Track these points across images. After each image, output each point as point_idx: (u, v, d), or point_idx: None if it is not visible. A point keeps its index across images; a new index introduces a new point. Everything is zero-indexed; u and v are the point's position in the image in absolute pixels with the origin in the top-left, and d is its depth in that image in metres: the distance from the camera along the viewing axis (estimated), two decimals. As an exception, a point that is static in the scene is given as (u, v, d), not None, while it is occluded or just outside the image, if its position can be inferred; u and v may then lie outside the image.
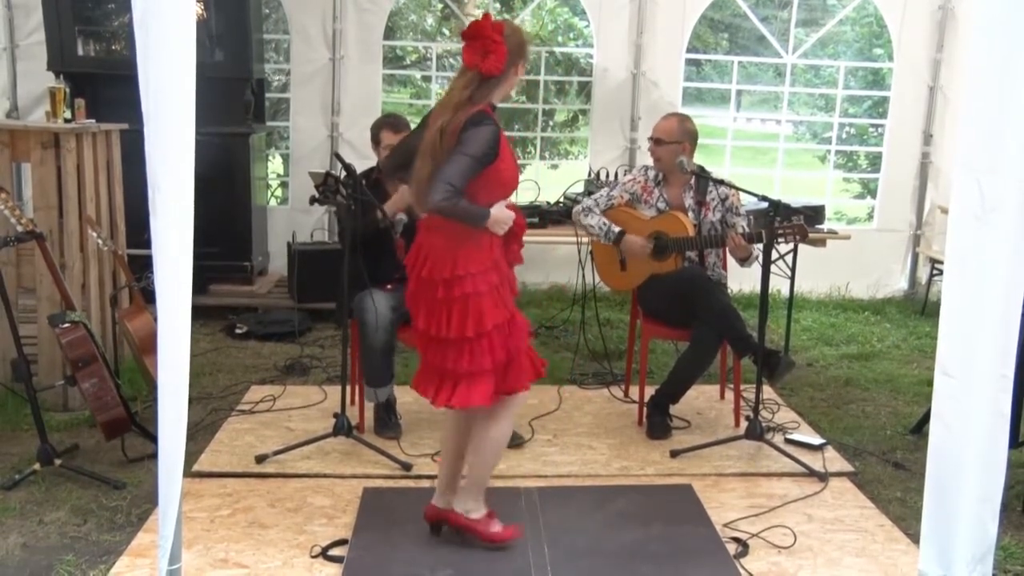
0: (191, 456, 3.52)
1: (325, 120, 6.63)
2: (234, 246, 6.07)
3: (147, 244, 2.40)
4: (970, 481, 2.30)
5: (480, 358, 2.90)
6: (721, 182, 4.25)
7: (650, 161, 4.35)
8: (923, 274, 6.93)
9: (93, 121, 4.54)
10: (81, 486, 3.53)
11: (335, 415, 3.87)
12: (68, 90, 5.03)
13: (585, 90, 8.30)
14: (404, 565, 3.02)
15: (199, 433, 4.05)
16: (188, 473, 3.44)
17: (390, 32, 7.85)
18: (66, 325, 3.69)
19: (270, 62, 7.43)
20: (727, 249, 4.21)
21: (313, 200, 3.89)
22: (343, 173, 3.88)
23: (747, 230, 4.16)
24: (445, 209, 2.84)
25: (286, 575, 2.97)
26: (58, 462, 3.59)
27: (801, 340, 5.83)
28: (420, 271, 2.94)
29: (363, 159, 5.48)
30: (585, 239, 4.65)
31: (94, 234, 4.21)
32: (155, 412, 2.54)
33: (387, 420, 4.10)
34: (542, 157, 8.92)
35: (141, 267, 3.99)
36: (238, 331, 5.66)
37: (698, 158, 4.33)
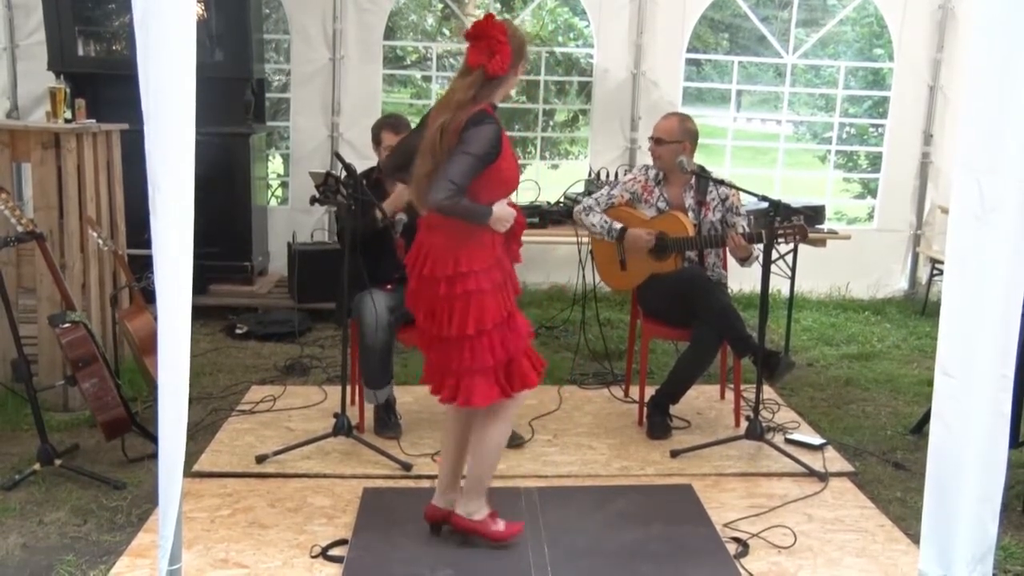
0: (191, 456, 3.52)
1: (325, 120, 6.63)
2: (234, 246, 6.07)
3: (147, 244, 2.40)
4: (970, 481, 2.30)
5: (481, 355, 2.91)
6: (721, 182, 4.25)
7: (650, 161, 4.35)
8: (923, 274, 6.93)
9: (93, 121, 4.54)
10: (81, 486, 3.53)
11: (335, 415, 3.87)
12: (68, 90, 5.03)
13: (585, 90, 8.30)
14: (404, 565, 3.02)
15: (199, 433, 4.05)
16: (188, 473, 3.45)
17: (390, 32, 7.85)
18: (66, 325, 3.70)
19: (270, 62, 7.43)
20: (727, 249, 4.21)
21: (313, 200, 3.89)
22: (343, 173, 3.88)
23: (747, 230, 4.16)
24: (447, 207, 2.84)
25: (286, 575, 2.97)
26: (58, 462, 3.60)
27: (801, 340, 5.83)
28: (421, 270, 2.94)
29: (363, 159, 5.48)
30: (585, 239, 4.65)
31: (94, 234, 4.21)
32: (155, 412, 2.54)
33: (387, 420, 4.10)
34: (542, 157, 8.92)
35: (141, 267, 3.99)
36: (238, 331, 5.66)
37: (698, 158, 4.33)
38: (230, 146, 5.96)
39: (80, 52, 5.95)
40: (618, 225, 4.23)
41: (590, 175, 6.21)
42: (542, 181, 5.94)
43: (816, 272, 6.35)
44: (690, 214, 4.21)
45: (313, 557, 3.07)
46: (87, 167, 4.40)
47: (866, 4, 7.60)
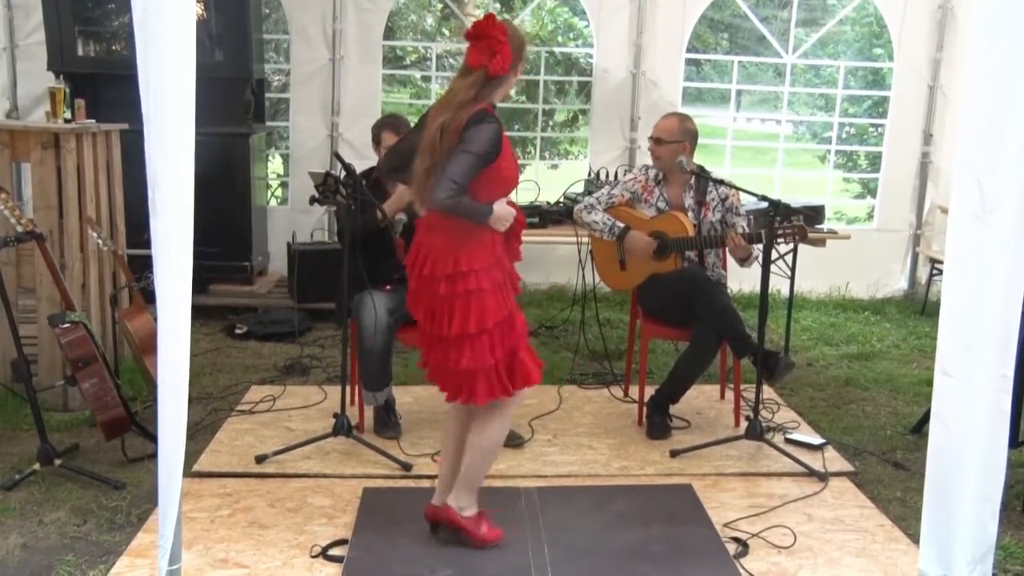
0: (191, 456, 3.52)
1: (325, 120, 6.63)
2: (234, 246, 6.07)
3: (147, 244, 2.40)
4: (970, 481, 2.30)
5: (482, 355, 2.91)
6: (721, 182, 4.25)
7: (650, 160, 4.35)
8: (923, 274, 6.93)
9: (93, 121, 4.54)
10: (81, 486, 3.53)
11: (335, 415, 3.87)
12: (68, 90, 5.04)
13: (585, 90, 8.30)
14: (404, 565, 3.02)
15: (199, 433, 4.05)
16: (188, 473, 3.45)
17: (390, 32, 7.85)
18: (66, 325, 3.69)
19: (270, 62, 7.43)
20: (727, 249, 4.21)
21: (313, 200, 3.89)
22: (343, 173, 3.88)
23: (747, 230, 4.16)
24: (448, 206, 2.84)
25: (286, 575, 2.97)
26: (58, 462, 3.60)
27: (801, 340, 5.83)
28: (421, 270, 2.94)
29: (363, 159, 5.49)
30: (585, 239, 4.65)
31: (94, 234, 4.21)
32: (155, 412, 2.54)
33: (387, 420, 4.10)
34: (542, 157, 8.92)
35: (141, 267, 3.99)
36: (238, 331, 5.66)
37: (698, 158, 4.33)
38: (230, 146, 5.96)
39: (80, 52, 5.95)
40: (621, 224, 4.23)
41: (590, 175, 6.21)
42: (542, 181, 5.94)
43: (816, 272, 6.35)
44: (690, 214, 4.21)
45: (313, 557, 3.07)
46: (87, 167, 4.40)
47: (866, 4, 7.60)
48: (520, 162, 8.74)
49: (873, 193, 7.82)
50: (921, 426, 4.24)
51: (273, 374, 4.99)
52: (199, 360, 5.00)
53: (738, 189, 4.16)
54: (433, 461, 3.81)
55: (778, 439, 4.09)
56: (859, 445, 4.15)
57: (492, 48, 2.84)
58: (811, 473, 3.76)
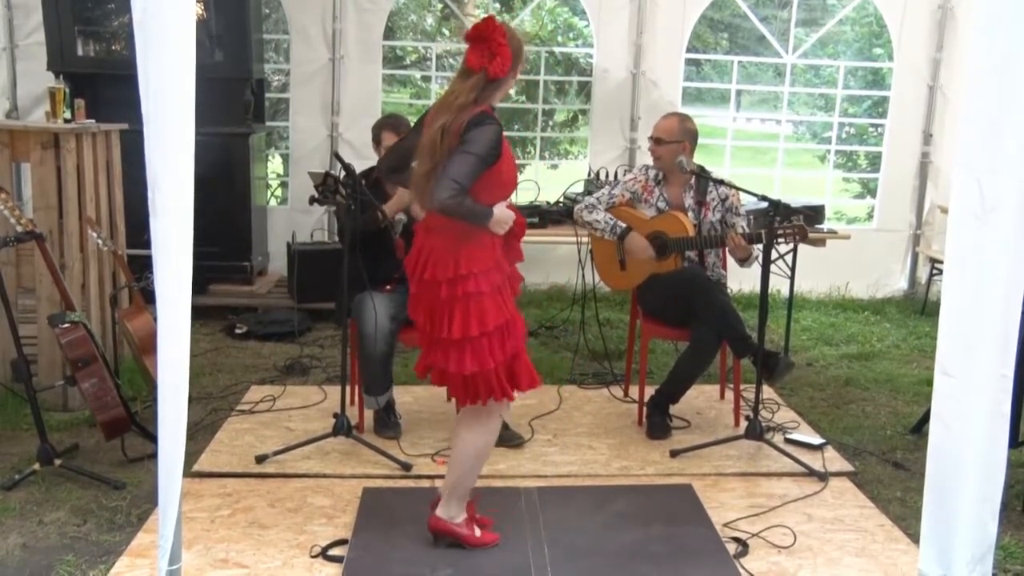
0: (191, 456, 3.52)
1: (325, 120, 6.63)
2: (234, 246, 6.07)
3: (147, 244, 2.40)
4: (970, 481, 2.30)
5: (483, 358, 2.90)
6: (721, 182, 4.25)
7: (650, 161, 4.35)
8: (923, 274, 6.93)
9: (93, 121, 4.54)
10: (81, 486, 3.53)
11: (335, 415, 3.87)
12: (68, 90, 5.04)
13: (585, 90, 8.30)
14: (404, 565, 3.02)
15: (199, 433, 4.05)
16: (188, 473, 3.45)
17: (390, 32, 7.85)
18: (66, 325, 3.69)
19: (270, 62, 7.43)
20: (727, 249, 4.21)
21: (313, 200, 3.89)
22: (343, 173, 3.88)
23: (747, 230, 4.16)
24: (450, 207, 2.83)
25: (286, 575, 2.97)
26: (58, 462, 3.59)
27: (801, 340, 5.83)
28: (422, 274, 2.93)
29: (363, 159, 5.49)
30: (585, 239, 4.65)
31: (94, 234, 4.21)
32: (155, 412, 2.54)
33: (387, 420, 4.10)
34: (542, 157, 8.92)
35: (141, 267, 3.99)
36: (238, 331, 5.66)
37: (698, 158, 4.33)
38: (230, 146, 5.96)
39: (80, 52, 5.95)
40: (622, 224, 4.23)
41: (590, 175, 6.22)
42: (542, 181, 5.95)
43: (816, 272, 6.35)
44: (690, 214, 4.21)
45: (313, 557, 3.07)
46: (87, 167, 4.40)
47: (866, 4, 7.61)
48: (520, 162, 8.70)
49: (873, 193, 7.82)
50: (921, 426, 4.24)
51: (273, 374, 4.99)
52: (199, 360, 5.00)
53: (738, 189, 4.16)
54: (433, 461, 3.81)
55: (778, 439, 4.09)
56: (859, 445, 4.15)
57: (492, 50, 2.84)
58: (811, 473, 3.76)
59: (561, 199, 5.78)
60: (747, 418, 4.02)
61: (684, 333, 4.19)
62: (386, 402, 4.07)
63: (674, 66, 6.73)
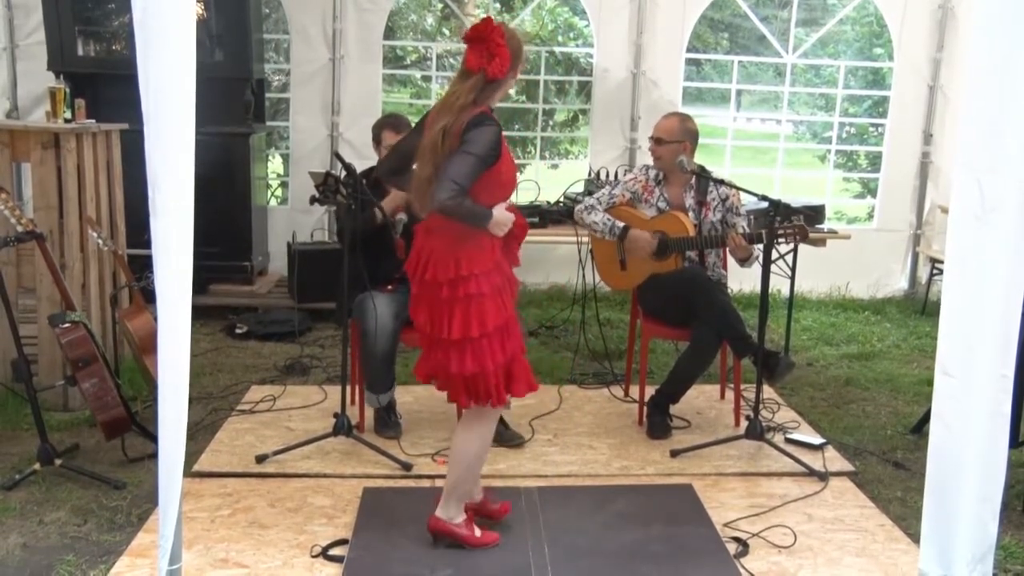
0: (191, 456, 3.52)
1: (325, 120, 6.63)
2: (234, 246, 6.08)
3: (147, 244, 2.40)
4: (970, 481, 2.30)
5: (482, 359, 2.90)
6: (721, 182, 4.25)
7: (650, 160, 4.35)
8: (923, 274, 6.93)
9: (93, 121, 4.54)
10: (81, 486, 3.53)
11: (335, 415, 3.87)
12: (68, 90, 5.04)
13: (585, 90, 8.30)
14: (404, 565, 3.02)
15: (199, 433, 4.05)
16: (188, 473, 3.45)
17: (390, 32, 7.85)
18: (66, 325, 3.69)
19: (270, 62, 7.43)
20: (727, 249, 4.21)
21: (313, 200, 3.89)
22: (343, 173, 3.88)
23: (747, 230, 4.15)
24: (450, 208, 2.83)
25: (286, 575, 2.97)
26: (58, 462, 3.60)
27: (801, 340, 5.83)
28: (423, 275, 2.93)
29: (363, 159, 5.49)
30: (585, 238, 4.65)
31: (94, 234, 4.21)
32: (155, 412, 2.54)
33: (387, 420, 4.10)
34: (542, 157, 8.92)
35: (141, 267, 3.99)
36: (238, 331, 5.66)
37: (698, 158, 4.33)
38: (230, 146, 5.96)
39: (80, 52, 5.95)
40: (621, 224, 4.23)
41: (590, 175, 6.22)
42: (542, 181, 5.95)
43: (816, 272, 6.35)
44: (690, 214, 4.21)
45: (313, 557, 3.07)
46: (87, 167, 4.40)
47: (866, 3, 7.60)
48: (520, 162, 8.70)
49: (873, 193, 7.82)
50: (921, 426, 4.24)
51: (273, 374, 4.99)
52: (199, 360, 5.00)
53: (738, 189, 4.16)
54: (433, 461, 3.81)
55: (778, 439, 4.09)
56: (859, 445, 4.15)
57: (491, 51, 2.84)
58: (811, 473, 3.76)
59: (561, 199, 5.78)
60: (747, 418, 4.02)
61: (684, 333, 4.19)
62: (388, 401, 4.07)
63: (674, 66, 6.73)
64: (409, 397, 4.47)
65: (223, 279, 6.08)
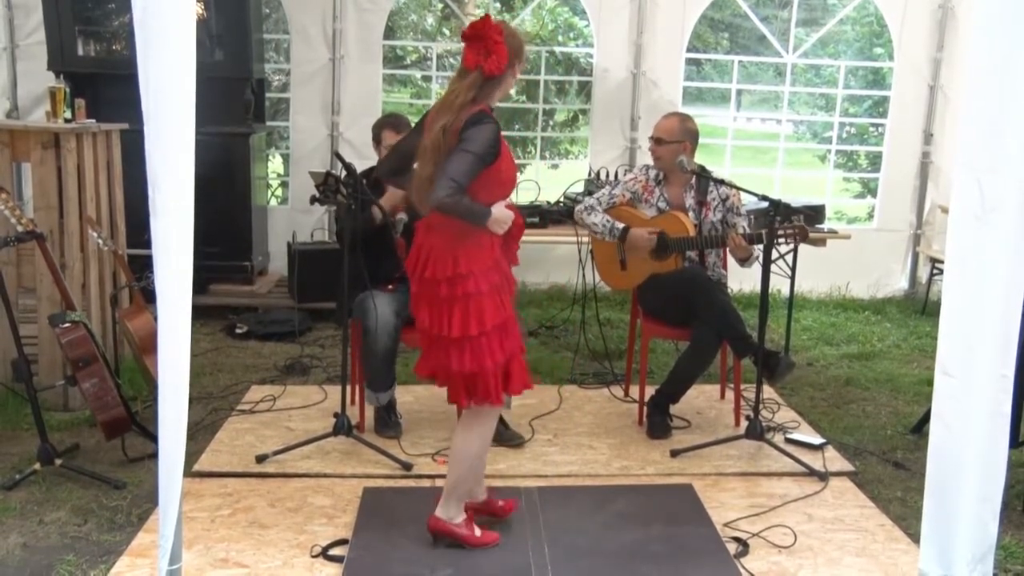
0: (191, 456, 3.52)
1: (325, 120, 6.63)
2: (234, 246, 6.08)
3: (147, 244, 2.40)
4: (970, 481, 2.30)
5: (481, 357, 2.91)
6: (722, 182, 4.24)
7: (650, 160, 4.35)
8: (923, 274, 6.93)
9: (93, 121, 4.54)
10: (81, 486, 3.53)
11: (335, 415, 3.87)
12: (68, 90, 5.04)
13: (585, 90, 8.30)
14: (404, 564, 3.02)
15: (199, 433, 4.05)
16: (188, 473, 3.45)
17: (390, 32, 7.85)
18: (66, 325, 3.70)
19: (270, 62, 7.43)
20: (727, 249, 4.21)
21: (313, 200, 3.89)
22: (343, 173, 3.88)
23: (747, 230, 4.15)
24: (448, 205, 2.83)
25: (286, 575, 2.97)
26: (58, 462, 3.60)
27: (801, 340, 5.83)
28: (422, 273, 2.94)
29: (363, 159, 5.49)
30: (585, 238, 4.65)
31: (94, 234, 4.21)
32: (155, 412, 2.54)
33: (387, 419, 4.10)
34: (542, 157, 8.92)
35: (141, 267, 3.99)
36: (238, 331, 5.66)
37: (698, 158, 4.33)
38: (230, 146, 5.96)
39: (80, 52, 5.95)
40: (620, 225, 4.23)
41: (590, 175, 6.22)
42: (542, 181, 5.94)
43: (816, 272, 6.35)
44: (690, 214, 4.21)
45: (313, 557, 3.07)
46: (87, 167, 4.40)
47: (866, 3, 7.60)
48: (521, 162, 8.68)
49: (873, 193, 7.82)
50: (921, 426, 4.24)
51: (273, 374, 4.99)
52: (199, 360, 5.00)
53: (739, 189, 4.16)
54: (434, 461, 3.81)
55: (778, 439, 4.09)
56: (859, 445, 4.15)
57: (488, 48, 2.85)
58: (811, 473, 3.76)
59: (561, 199, 5.78)
60: (747, 418, 4.02)
61: (684, 333, 4.19)
62: (388, 400, 4.07)
63: (674, 66, 6.73)
64: (409, 397, 4.47)
65: (223, 279, 6.08)
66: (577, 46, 9.86)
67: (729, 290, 4.44)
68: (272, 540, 3.17)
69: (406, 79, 10.19)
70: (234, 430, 4.14)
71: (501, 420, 3.72)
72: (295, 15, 6.56)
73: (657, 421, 4.19)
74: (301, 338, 5.56)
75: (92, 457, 3.81)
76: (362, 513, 3.36)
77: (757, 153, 11.69)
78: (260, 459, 3.76)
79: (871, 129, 9.12)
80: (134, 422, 3.80)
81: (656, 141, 4.24)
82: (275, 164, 8.25)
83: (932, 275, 6.59)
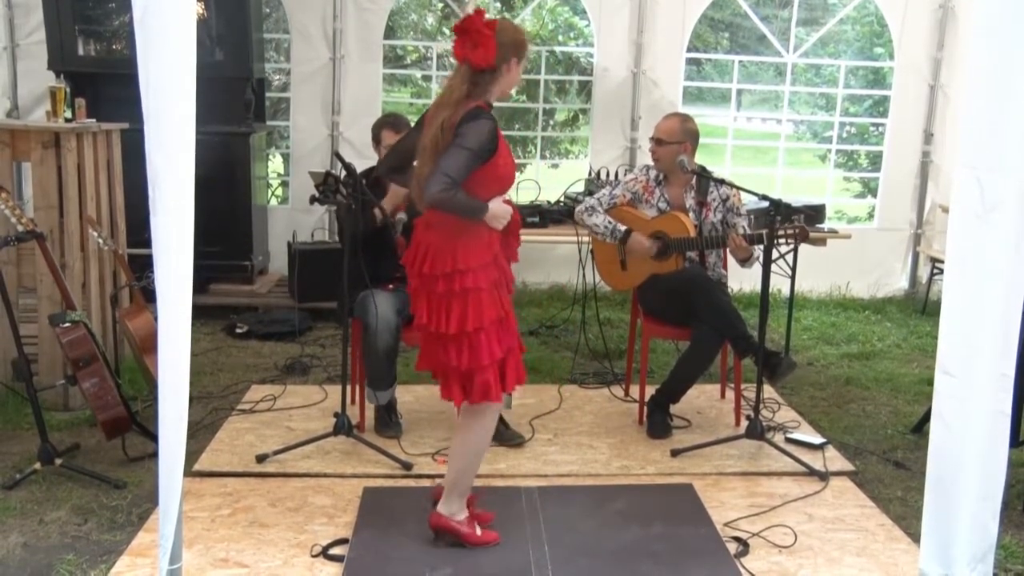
0: (191, 455, 3.52)
1: (325, 119, 6.63)
2: (234, 245, 6.08)
3: (147, 243, 2.40)
4: (970, 480, 2.30)
5: (479, 353, 2.91)
6: (722, 182, 4.24)
7: (651, 160, 4.35)
8: (924, 273, 6.93)
9: (93, 120, 4.54)
10: (82, 485, 3.53)
11: (335, 414, 3.87)
12: (68, 89, 5.04)
13: (585, 89, 8.30)
14: (404, 564, 3.02)
15: (200, 432, 4.05)
16: (189, 472, 3.45)
17: (390, 31, 7.85)
18: (67, 325, 3.70)
19: (270, 61, 7.43)
20: (728, 250, 4.21)
21: (313, 199, 3.89)
22: (343, 172, 3.88)
23: (748, 231, 4.15)
24: (443, 201, 2.84)
25: (287, 574, 2.97)
26: (59, 461, 3.60)
27: (802, 339, 5.83)
28: (421, 268, 2.94)
29: (363, 158, 5.49)
30: (586, 238, 4.65)
31: (94, 233, 4.22)
32: (156, 411, 2.54)
33: (387, 419, 4.10)
34: (542, 156, 8.91)
35: (141, 266, 3.99)
36: (238, 330, 5.66)
37: (699, 158, 4.32)
38: (230, 145, 5.96)
39: (80, 51, 5.95)
40: (623, 227, 4.23)
41: (590, 175, 6.22)
42: (542, 180, 5.94)
43: (816, 271, 6.35)
44: (691, 215, 4.21)
45: (313, 556, 3.07)
46: (87, 166, 4.40)
47: (866, 3, 7.60)
48: (521, 161, 8.66)
49: (874, 192, 7.81)
50: (922, 425, 4.24)
51: (274, 373, 4.99)
52: (199, 359, 5.00)
53: (739, 189, 4.16)
54: (434, 460, 3.81)
55: (779, 438, 4.09)
56: (860, 444, 4.15)
57: (474, 41, 2.86)
58: (812, 472, 3.76)
59: (562, 199, 5.79)
60: (748, 417, 4.02)
61: (685, 333, 4.19)
62: (388, 399, 4.07)
63: (675, 65, 6.73)
64: (409, 397, 4.47)
65: (223, 279, 6.08)
66: (577, 46, 9.85)
67: (729, 290, 4.44)
68: (272, 540, 3.17)
69: (406, 79, 10.19)
70: (234, 430, 4.14)
71: (501, 420, 3.72)
72: (295, 14, 6.56)
73: (657, 421, 4.19)
74: (301, 338, 5.56)
75: (92, 457, 3.81)
76: (362, 513, 3.36)
77: (757, 153, 11.68)
78: (260, 459, 3.76)
79: (871, 129, 9.11)
80: (134, 422, 3.81)
81: (656, 142, 4.24)
82: (275, 164, 8.25)
83: (932, 275, 6.59)
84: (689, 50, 6.88)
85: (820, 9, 10.02)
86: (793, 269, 4.70)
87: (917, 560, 2.43)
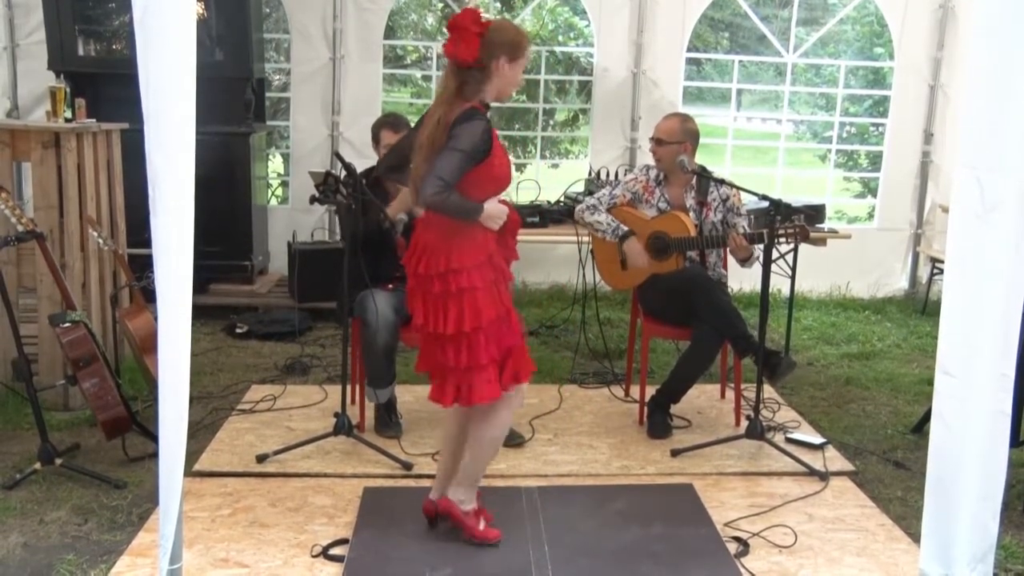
0: (192, 455, 3.52)
1: (325, 119, 6.63)
2: (234, 245, 6.08)
3: (147, 243, 2.41)
4: (971, 480, 2.30)
5: (477, 353, 2.91)
6: (722, 182, 4.25)
7: (651, 160, 4.35)
8: (924, 273, 6.93)
9: (93, 120, 4.54)
10: (82, 485, 3.53)
11: (335, 414, 3.87)
12: (68, 89, 5.04)
13: (585, 89, 8.30)
14: (404, 564, 3.02)
15: (200, 432, 4.05)
16: (189, 472, 3.45)
17: (390, 31, 7.85)
18: (67, 325, 3.70)
19: (270, 61, 7.43)
20: (728, 249, 4.21)
21: (313, 199, 3.89)
22: (343, 172, 3.88)
23: (748, 230, 4.15)
24: (436, 203, 2.86)
25: (287, 574, 2.97)
26: (59, 461, 3.60)
27: (802, 339, 5.83)
28: (417, 268, 2.95)
29: (363, 158, 5.48)
30: (586, 238, 4.65)
31: (94, 233, 4.22)
32: (156, 411, 2.54)
33: (388, 419, 4.10)
34: (542, 156, 8.91)
35: (141, 266, 3.99)
36: (239, 330, 5.66)
37: (699, 158, 4.33)
38: (230, 145, 5.96)
39: (80, 51, 5.95)
40: (624, 227, 4.23)
41: (590, 175, 6.22)
42: (542, 180, 5.94)
43: (816, 271, 6.35)
44: (691, 214, 4.21)
45: (314, 556, 3.07)
46: (87, 166, 4.40)
47: (866, 3, 7.60)
48: (521, 161, 8.68)
49: (874, 192, 7.81)
50: (922, 425, 4.24)
51: (274, 373, 4.99)
52: (200, 359, 5.00)
53: (739, 189, 4.16)
54: (433, 460, 3.80)
55: (779, 438, 4.09)
56: (860, 444, 4.15)
57: (460, 37, 2.86)
58: (812, 472, 3.76)
59: (562, 199, 5.78)
60: (748, 417, 4.02)
61: (685, 332, 4.19)
62: (388, 398, 4.07)
63: (675, 65, 6.73)
64: (409, 397, 4.47)
65: (223, 279, 6.09)
66: (577, 46, 9.85)
67: (729, 290, 4.44)
68: (272, 540, 3.17)
69: (406, 79, 10.19)
70: (234, 430, 4.14)
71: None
72: (295, 14, 6.56)
73: (657, 421, 4.19)
74: (301, 338, 5.56)
75: (92, 457, 3.81)
76: (362, 513, 3.36)
77: (757, 153, 11.68)
78: (260, 459, 3.76)
79: (871, 129, 9.11)
80: (134, 422, 3.81)
81: (657, 142, 4.24)
82: (275, 164, 8.25)
83: (932, 275, 6.59)
84: (689, 50, 6.88)
85: (820, 9, 10.01)
86: (793, 269, 4.70)
87: (917, 560, 2.44)
